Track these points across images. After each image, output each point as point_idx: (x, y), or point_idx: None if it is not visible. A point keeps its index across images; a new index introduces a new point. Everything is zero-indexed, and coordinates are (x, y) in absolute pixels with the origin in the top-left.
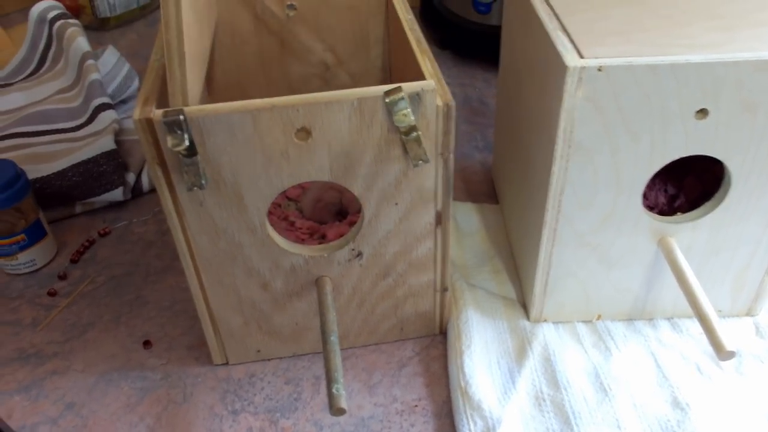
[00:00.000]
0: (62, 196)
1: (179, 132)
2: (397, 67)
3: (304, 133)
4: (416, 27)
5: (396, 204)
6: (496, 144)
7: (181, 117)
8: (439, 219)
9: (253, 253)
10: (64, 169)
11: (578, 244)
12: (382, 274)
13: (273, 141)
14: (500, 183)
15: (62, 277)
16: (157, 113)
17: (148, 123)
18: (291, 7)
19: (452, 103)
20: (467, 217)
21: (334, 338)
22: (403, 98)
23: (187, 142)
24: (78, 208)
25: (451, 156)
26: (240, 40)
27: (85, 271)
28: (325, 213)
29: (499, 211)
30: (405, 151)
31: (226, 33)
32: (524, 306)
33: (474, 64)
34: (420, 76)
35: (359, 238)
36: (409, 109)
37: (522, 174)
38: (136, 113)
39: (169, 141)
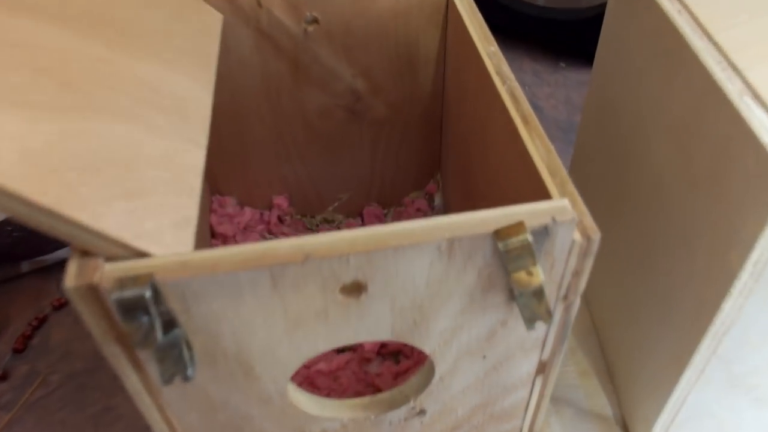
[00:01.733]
0: (1, 255)
1: (143, 318)
2: (460, 97)
3: (356, 288)
4: (505, 68)
5: (483, 357)
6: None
7: (147, 294)
8: (543, 368)
9: (268, 424)
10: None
11: (730, 386)
12: (450, 429)
13: (304, 301)
14: None
15: (2, 377)
16: (107, 274)
17: (91, 292)
18: (311, 20)
19: (596, 236)
20: None
21: None
22: (527, 245)
23: (158, 333)
24: (24, 267)
25: (578, 299)
26: (237, 62)
27: (33, 365)
28: None
29: None
30: (510, 297)
31: (221, 55)
32: (624, 428)
33: (519, 49)
34: (527, 171)
35: (424, 395)
36: (538, 267)
37: (638, 279)
38: (70, 272)
39: (127, 329)
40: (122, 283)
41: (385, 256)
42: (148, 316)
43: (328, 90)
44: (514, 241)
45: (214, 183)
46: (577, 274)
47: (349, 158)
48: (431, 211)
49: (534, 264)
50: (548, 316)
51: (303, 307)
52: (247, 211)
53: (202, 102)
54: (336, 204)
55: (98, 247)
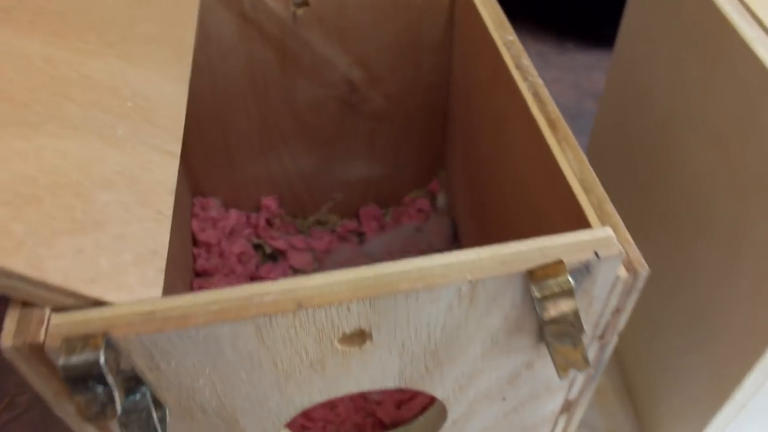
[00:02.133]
0: None
1: (98, 388)
2: (470, 90)
3: (359, 337)
4: (525, 61)
5: (503, 399)
6: None
7: (101, 359)
8: (569, 406)
9: None
10: None
11: None
12: None
13: (296, 353)
14: None
15: None
16: (53, 331)
17: (34, 352)
18: (301, 2)
19: (644, 270)
20: None
21: None
22: (569, 289)
23: (117, 404)
24: None
25: (615, 338)
26: (218, 51)
27: (0, 385)
28: None
29: None
30: (539, 338)
31: (200, 43)
32: None
33: (521, 28)
34: (556, 185)
35: None
36: (580, 319)
37: (666, 295)
38: (7, 328)
39: (77, 402)
40: (70, 345)
41: (395, 301)
42: (104, 385)
43: (321, 80)
44: (552, 284)
45: (196, 183)
46: (617, 312)
47: (344, 155)
48: (434, 211)
49: (575, 312)
50: (585, 363)
51: (295, 359)
52: (233, 213)
53: (175, 100)
54: (330, 204)
55: (41, 297)
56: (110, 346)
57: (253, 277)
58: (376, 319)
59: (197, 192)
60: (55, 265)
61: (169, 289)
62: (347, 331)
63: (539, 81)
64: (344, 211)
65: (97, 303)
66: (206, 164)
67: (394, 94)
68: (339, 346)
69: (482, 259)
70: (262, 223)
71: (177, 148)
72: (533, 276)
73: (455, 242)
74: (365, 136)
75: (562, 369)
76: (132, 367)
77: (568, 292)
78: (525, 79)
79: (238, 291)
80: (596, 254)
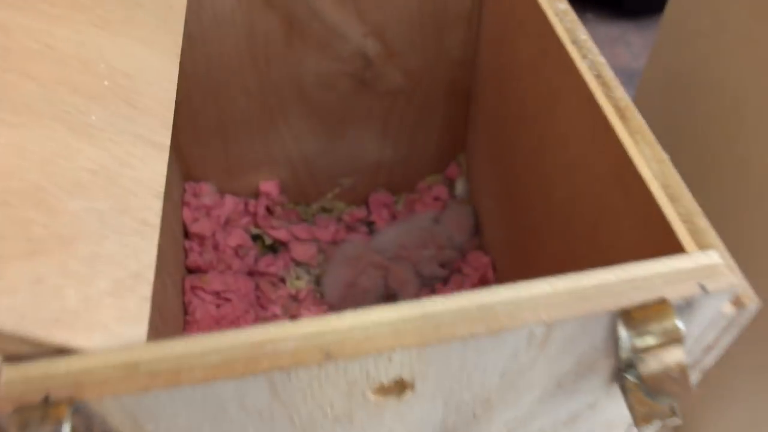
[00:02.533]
0: None
1: None
2: (504, 67)
3: (398, 387)
4: (582, 35)
5: None
6: None
7: (66, 428)
8: None
9: None
10: None
11: None
12: None
13: (319, 407)
14: None
15: None
16: (2, 396)
17: None
18: None
19: (753, 303)
20: None
21: None
22: (677, 336)
23: None
24: None
25: (698, 376)
26: (214, 20)
27: None
28: (362, 301)
29: None
30: (611, 379)
31: (191, 10)
32: None
33: None
34: (629, 190)
35: None
36: (688, 376)
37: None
38: None
39: None
40: (24, 418)
41: (448, 349)
42: None
43: (331, 53)
44: (655, 330)
45: (187, 167)
46: (709, 349)
47: (353, 136)
48: (452, 199)
49: (682, 367)
50: (671, 414)
51: (317, 413)
52: (229, 200)
53: (163, 78)
54: (337, 190)
55: None
56: (79, 412)
57: (252, 272)
58: (422, 368)
59: (189, 176)
60: (4, 302)
61: (158, 293)
62: (385, 381)
63: (601, 60)
64: (352, 198)
65: (63, 350)
66: (199, 146)
67: (414, 70)
68: (372, 397)
69: (559, 293)
70: (261, 211)
71: (166, 138)
72: (628, 318)
73: (477, 235)
74: (379, 117)
75: (643, 420)
76: (107, 431)
77: (675, 341)
78: (584, 57)
79: (245, 335)
80: (702, 288)
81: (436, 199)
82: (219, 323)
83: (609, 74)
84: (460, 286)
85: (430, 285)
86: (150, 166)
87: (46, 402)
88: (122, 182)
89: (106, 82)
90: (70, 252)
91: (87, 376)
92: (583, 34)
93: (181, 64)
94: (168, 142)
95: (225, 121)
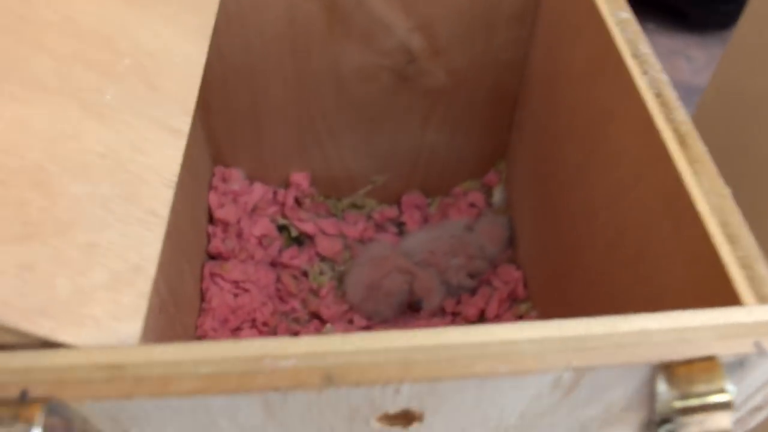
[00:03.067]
0: None
1: None
2: (556, 74)
3: (405, 418)
4: (644, 48)
5: None
6: None
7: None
8: None
9: None
10: None
11: None
12: None
13: (319, 429)
14: None
15: None
16: None
17: None
18: None
19: None
20: None
21: None
22: (726, 401)
23: None
24: None
25: None
26: (252, 4)
27: None
28: (384, 305)
29: None
30: (643, 429)
31: None
32: None
33: None
34: (681, 222)
35: None
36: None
37: None
38: None
39: None
40: None
41: (463, 385)
42: None
43: (374, 46)
44: (700, 390)
45: (218, 150)
46: (757, 410)
47: (391, 133)
48: (488, 207)
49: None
50: None
51: None
52: (258, 187)
53: (189, 60)
54: (369, 188)
55: None
56: (55, 413)
57: (275, 263)
58: (434, 402)
59: (219, 161)
60: None
61: (174, 277)
62: (391, 411)
63: (663, 77)
64: (384, 196)
65: (47, 344)
66: (231, 130)
67: (459, 69)
68: (376, 426)
69: (594, 337)
70: (290, 201)
71: (185, 124)
72: (670, 373)
73: (510, 247)
74: (418, 115)
75: None
76: None
77: (722, 405)
78: (644, 72)
79: (242, 347)
80: (759, 347)
81: (472, 205)
82: (235, 313)
83: (671, 94)
84: (488, 300)
85: (456, 295)
86: (164, 153)
87: (23, 398)
88: (132, 168)
89: (126, 61)
90: (67, 239)
91: (69, 374)
92: (645, 47)
93: (217, 44)
94: (187, 129)
95: (259, 107)
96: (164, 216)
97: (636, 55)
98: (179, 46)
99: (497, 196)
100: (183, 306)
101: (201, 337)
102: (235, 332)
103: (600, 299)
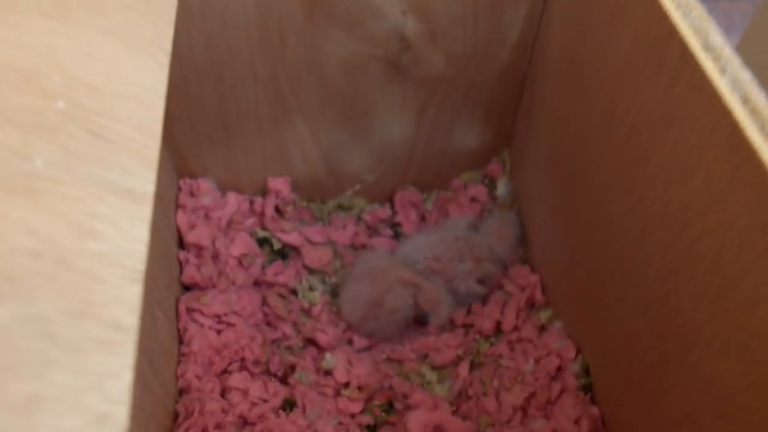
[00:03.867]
0: None
1: None
2: (576, 55)
3: None
4: (716, 39)
5: None
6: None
7: None
8: None
9: None
10: None
11: None
12: None
13: None
14: None
15: None
16: None
17: None
18: None
19: None
20: None
21: None
22: None
23: None
24: None
25: None
26: None
27: None
28: (386, 322)
29: None
30: None
31: None
32: None
33: None
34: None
35: None
36: None
37: None
38: None
39: None
40: None
41: None
42: None
43: (361, 33)
44: None
45: (183, 161)
46: None
47: (382, 130)
48: (492, 202)
49: None
50: None
51: None
52: (231, 198)
53: (146, 84)
54: (357, 187)
55: None
56: None
57: (258, 282)
58: None
59: (184, 172)
60: None
61: (147, 333)
62: None
63: (745, 76)
64: (374, 195)
65: None
66: (197, 137)
67: (460, 54)
68: None
69: None
70: (269, 211)
71: (149, 183)
72: None
73: (522, 246)
74: (413, 108)
75: None
76: None
77: None
78: (723, 71)
79: None
80: None
81: (473, 200)
82: (220, 353)
83: (761, 100)
84: (503, 308)
85: (466, 304)
86: (124, 231)
87: None
88: (80, 264)
89: (60, 104)
90: None
91: None
92: (716, 36)
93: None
94: (152, 189)
95: (228, 109)
96: (133, 326)
97: (708, 48)
98: (129, 70)
99: (502, 188)
100: (159, 363)
101: (184, 390)
102: (223, 377)
103: (654, 324)
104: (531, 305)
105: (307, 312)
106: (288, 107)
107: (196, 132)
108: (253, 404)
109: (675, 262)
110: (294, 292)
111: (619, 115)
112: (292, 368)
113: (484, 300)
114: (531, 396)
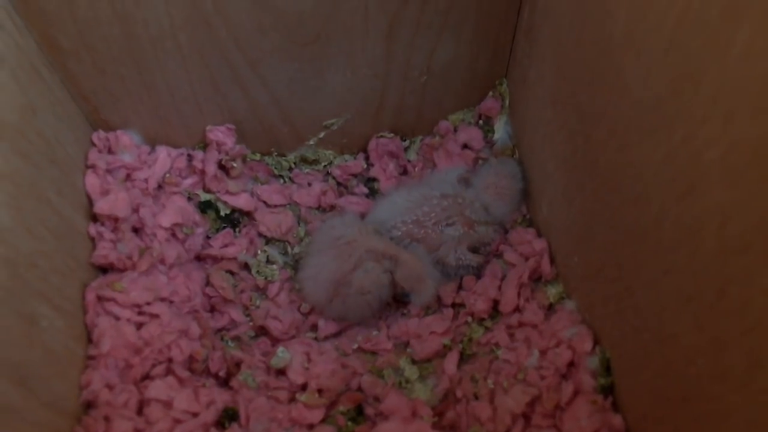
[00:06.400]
0: None
1: None
2: None
3: None
4: None
5: None
6: None
7: None
8: None
9: None
10: None
11: None
12: None
13: None
14: None
15: None
16: None
17: None
18: None
19: None
20: None
21: None
22: None
23: None
24: None
25: None
26: None
27: None
28: (357, 305)
29: None
30: None
31: None
32: None
33: None
34: None
35: None
36: None
37: None
38: None
39: None
40: None
41: None
42: None
43: None
44: None
45: (94, 109)
46: None
47: (341, 58)
48: (489, 147)
49: None
50: None
51: None
52: (162, 154)
53: None
54: (321, 135)
55: None
56: None
57: (201, 258)
58: None
59: (98, 123)
60: None
61: (15, 342)
62: None
63: None
64: (344, 145)
65: None
66: (102, 75)
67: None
68: None
69: None
70: (211, 168)
71: None
72: None
73: (526, 204)
74: (379, 28)
75: None
76: None
77: None
78: None
79: None
80: None
81: (465, 147)
82: (140, 353)
83: None
84: (501, 282)
85: (456, 278)
86: None
87: None
88: None
89: None
90: None
91: None
92: None
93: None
94: None
95: (136, 35)
96: None
97: None
98: None
99: (500, 131)
100: (42, 373)
101: (90, 403)
102: (143, 385)
103: (703, 323)
104: (536, 279)
105: (262, 291)
106: (215, 30)
107: (100, 69)
108: (177, 421)
109: (744, 236)
110: (247, 267)
111: (653, 22)
112: (237, 366)
113: (477, 273)
114: (535, 400)
